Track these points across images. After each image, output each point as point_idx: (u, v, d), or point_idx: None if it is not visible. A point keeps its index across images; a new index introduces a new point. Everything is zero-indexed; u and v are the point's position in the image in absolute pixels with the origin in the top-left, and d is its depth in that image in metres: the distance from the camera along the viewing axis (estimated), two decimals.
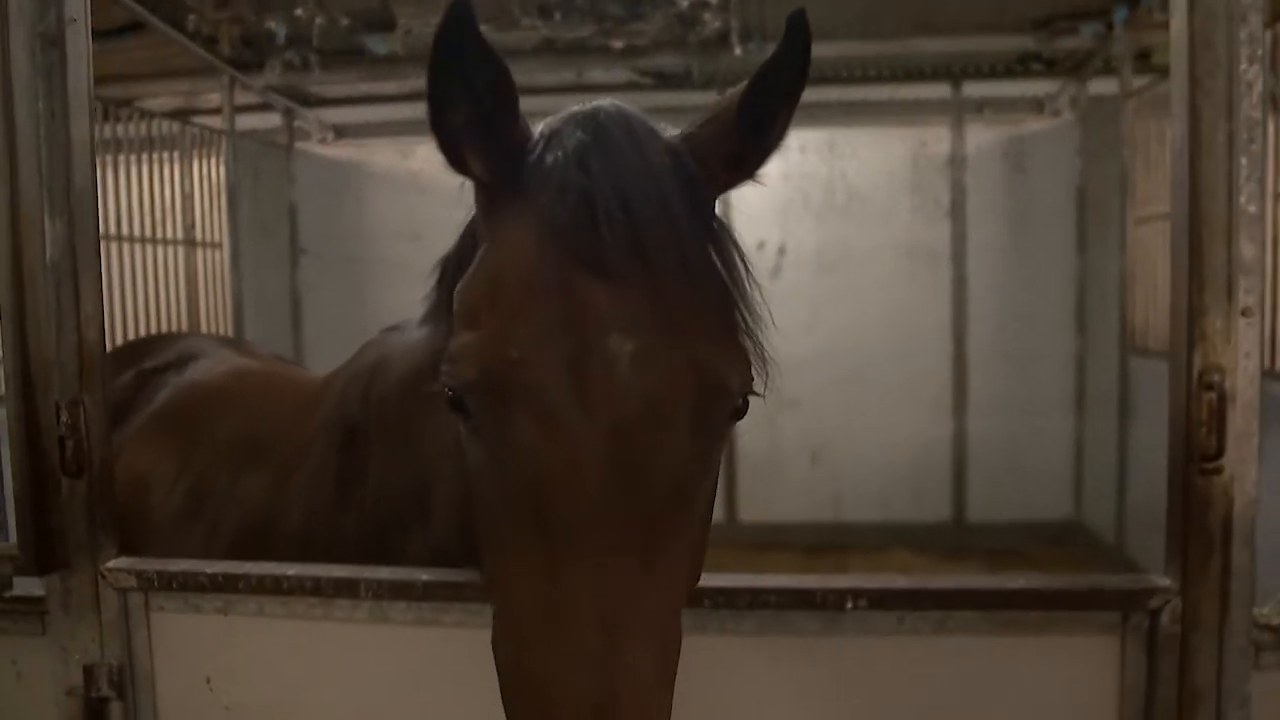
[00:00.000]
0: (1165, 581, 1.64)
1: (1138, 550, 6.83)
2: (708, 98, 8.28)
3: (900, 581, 1.71)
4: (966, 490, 8.18)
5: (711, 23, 6.96)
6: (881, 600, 1.68)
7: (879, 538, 8.07)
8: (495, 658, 1.25)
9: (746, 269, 1.44)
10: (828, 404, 8.34)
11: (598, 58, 7.89)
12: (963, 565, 7.63)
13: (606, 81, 8.36)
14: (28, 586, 1.99)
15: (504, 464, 1.25)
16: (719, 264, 1.38)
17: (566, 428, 1.19)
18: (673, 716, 1.28)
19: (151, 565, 1.91)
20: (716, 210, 1.47)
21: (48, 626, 1.98)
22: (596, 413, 1.20)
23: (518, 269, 1.28)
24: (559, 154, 1.33)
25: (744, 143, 1.46)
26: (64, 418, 1.88)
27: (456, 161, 1.37)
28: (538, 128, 1.43)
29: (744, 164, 1.49)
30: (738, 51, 7.18)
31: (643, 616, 1.17)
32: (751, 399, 1.36)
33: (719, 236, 1.42)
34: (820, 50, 6.87)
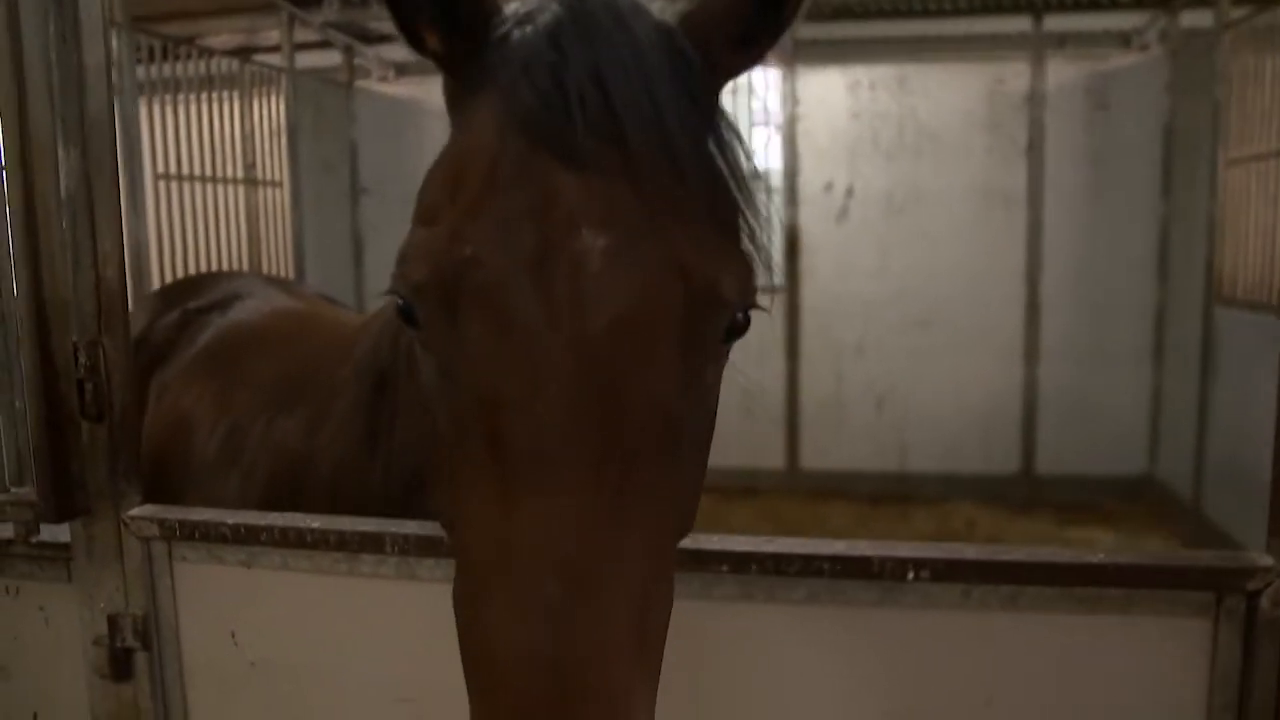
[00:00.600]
0: (1267, 560, 1.46)
1: (1216, 510, 6.55)
2: None
3: (969, 552, 1.56)
4: (1036, 442, 7.93)
5: None
6: (948, 571, 1.53)
7: (944, 489, 7.88)
8: (455, 616, 1.11)
9: (753, 168, 1.27)
10: (895, 349, 8.12)
11: None
12: (1030, 520, 7.42)
13: None
14: (55, 533, 1.93)
15: (456, 382, 1.10)
16: (718, 158, 1.20)
17: (525, 336, 1.03)
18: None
19: (174, 514, 1.83)
20: (724, 101, 1.29)
21: (74, 574, 1.92)
22: (561, 319, 1.03)
23: (477, 158, 1.12)
24: (529, 30, 1.16)
25: (754, 21, 1.24)
26: (82, 360, 1.79)
27: (413, 37, 1.21)
28: (511, 5, 1.25)
29: (753, 45, 1.27)
30: None
31: (612, 567, 1.00)
32: (754, 317, 1.21)
33: (718, 128, 1.23)
34: None
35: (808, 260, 8.27)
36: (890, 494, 7.99)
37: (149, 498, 1.90)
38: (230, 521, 1.79)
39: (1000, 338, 7.92)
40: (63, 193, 1.77)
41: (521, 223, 1.06)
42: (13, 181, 1.73)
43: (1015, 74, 7.78)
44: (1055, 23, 7.71)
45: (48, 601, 1.96)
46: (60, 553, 1.92)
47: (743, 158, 1.25)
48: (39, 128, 1.74)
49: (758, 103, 8.62)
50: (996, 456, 7.98)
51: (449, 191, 1.13)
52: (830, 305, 8.24)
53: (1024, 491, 7.84)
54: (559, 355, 1.03)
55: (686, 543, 1.58)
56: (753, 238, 1.26)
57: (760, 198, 1.29)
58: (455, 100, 1.26)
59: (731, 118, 1.28)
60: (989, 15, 7.70)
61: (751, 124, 8.43)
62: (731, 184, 1.21)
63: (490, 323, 1.06)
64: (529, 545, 0.99)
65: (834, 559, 1.57)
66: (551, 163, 1.07)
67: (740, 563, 1.58)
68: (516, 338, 1.04)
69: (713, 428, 1.26)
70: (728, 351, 1.22)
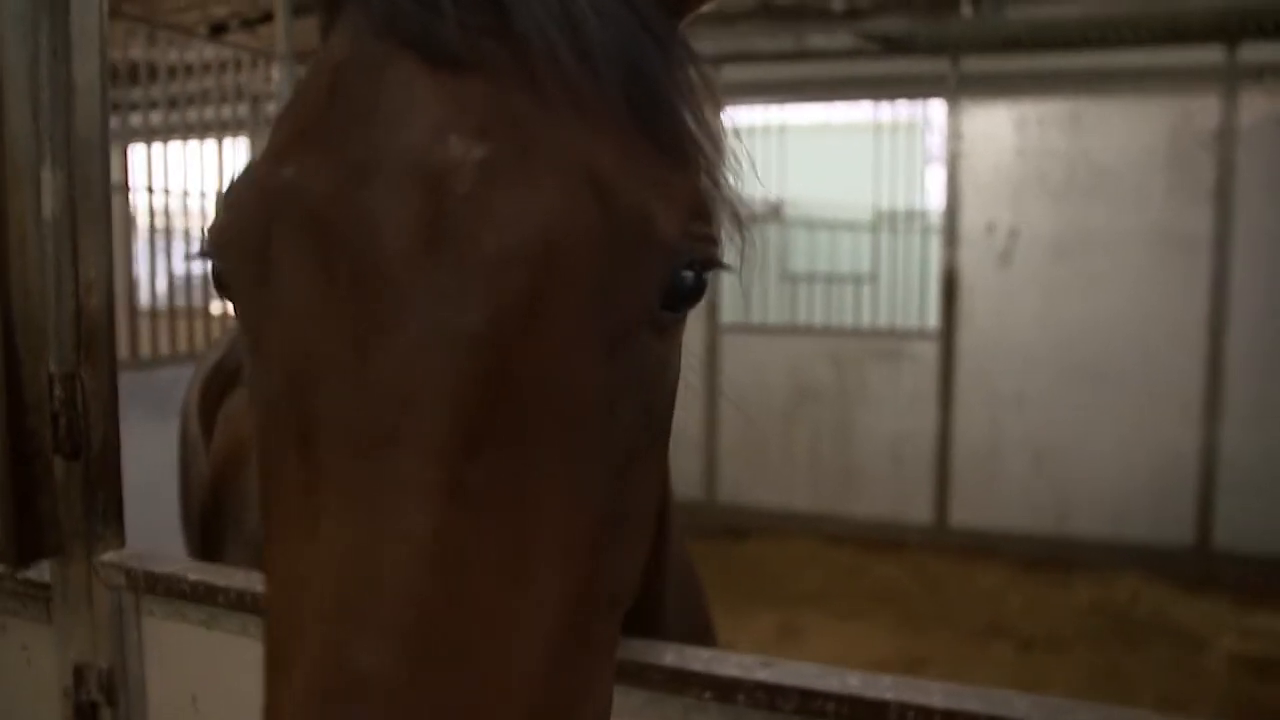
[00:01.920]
0: None
1: None
2: (938, 65, 7.63)
3: (1022, 706, 1.22)
4: (1215, 512, 7.16)
5: None
6: None
7: (1108, 557, 7.22)
8: None
9: (712, 96, 0.98)
10: (1057, 402, 7.54)
11: (818, 21, 7.38)
12: (1203, 599, 6.69)
13: (828, 47, 7.86)
14: (41, 569, 1.84)
15: (266, 361, 0.83)
16: (657, 68, 0.89)
17: (356, 274, 0.76)
18: None
19: (140, 563, 1.70)
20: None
21: (52, 615, 1.82)
22: (408, 251, 0.75)
23: (322, 76, 0.86)
24: None
25: None
26: (58, 392, 1.69)
27: None
28: None
29: None
30: (967, 13, 6.50)
31: (476, 624, 0.71)
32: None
33: (666, 42, 0.91)
34: (1062, 10, 6.14)
35: (966, 304, 7.80)
36: (1046, 558, 7.39)
37: (209, 531, 1.78)
38: (190, 578, 1.64)
39: (1176, 395, 7.22)
40: (44, 216, 1.68)
41: (362, 132, 0.79)
42: None
43: (1203, 109, 7.12)
44: (1252, 53, 7.03)
45: (30, 641, 1.87)
46: (41, 592, 1.82)
47: (698, 83, 0.97)
48: (18, 147, 1.65)
49: (919, 139, 8.23)
50: (1168, 526, 7.26)
51: (285, 124, 0.88)
52: (989, 352, 7.73)
53: (1198, 567, 7.08)
54: (399, 299, 0.75)
55: (669, 658, 1.32)
56: (714, 177, 0.98)
57: (728, 141, 1.01)
58: (322, 39, 0.99)
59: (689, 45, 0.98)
60: (1176, 46, 7.08)
61: (922, 162, 8.06)
62: (683, 109, 0.92)
63: (307, 263, 0.78)
64: (339, 579, 0.71)
65: (842, 699, 1.25)
66: (414, 63, 0.80)
67: (726, 690, 1.31)
68: (344, 278, 0.76)
69: (665, 434, 0.95)
70: (678, 327, 0.91)
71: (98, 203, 1.72)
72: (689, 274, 0.85)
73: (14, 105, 1.64)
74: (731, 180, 1.01)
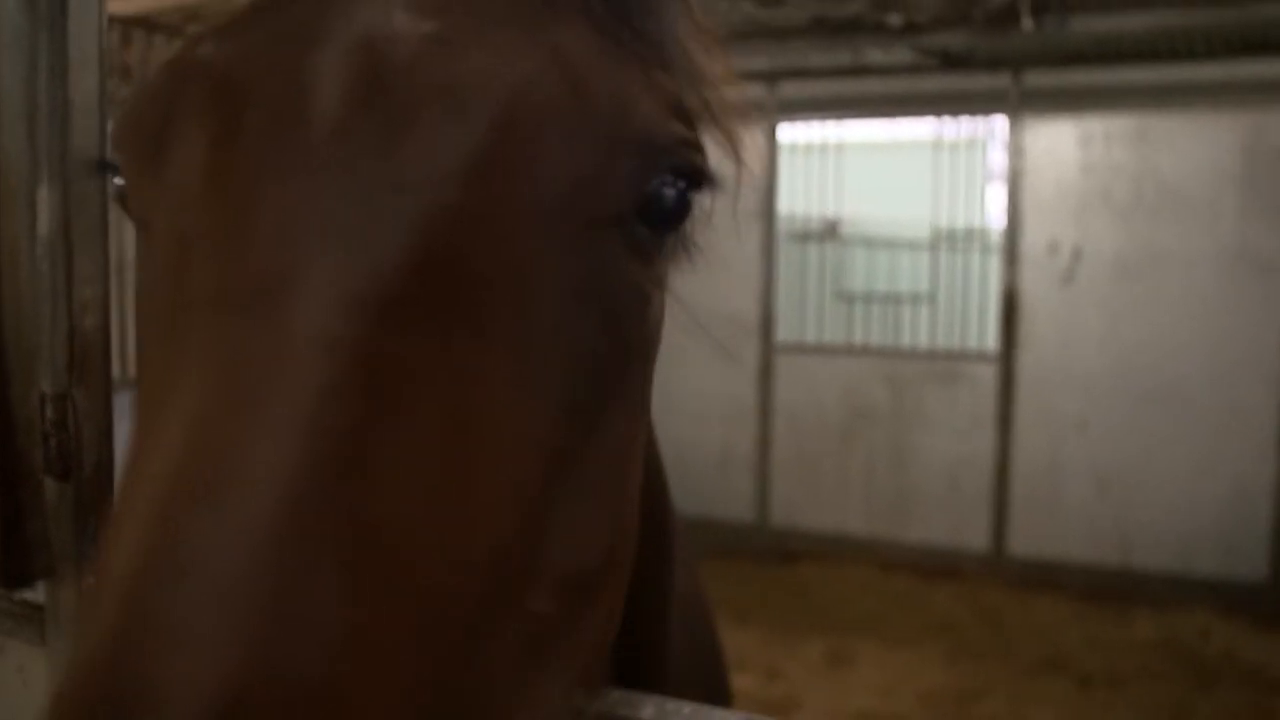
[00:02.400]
0: None
1: None
2: (999, 80, 7.46)
3: None
4: None
5: None
6: None
7: (1175, 592, 6.96)
8: None
9: (702, 30, 0.92)
10: (1121, 428, 7.30)
11: (874, 36, 7.26)
12: (1279, 638, 6.40)
13: (886, 63, 7.73)
14: (37, 591, 1.82)
15: (157, 232, 0.74)
16: None
17: (272, 125, 0.68)
18: None
19: None
20: None
21: (47, 636, 1.80)
22: (339, 104, 0.67)
23: None
24: None
25: None
26: (49, 414, 1.67)
27: None
28: None
29: None
30: (1028, 26, 6.33)
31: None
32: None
33: None
34: (1128, 22, 5.95)
35: (1027, 326, 7.60)
36: (1109, 591, 7.14)
37: None
38: None
39: (1248, 422, 6.94)
40: (38, 235, 1.66)
41: (296, 13, 0.73)
42: None
43: (1278, 124, 6.86)
44: None
45: (26, 662, 1.85)
46: (36, 613, 1.80)
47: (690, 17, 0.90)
48: (13, 166, 1.63)
49: (979, 156, 8.06)
50: (1240, 559, 6.97)
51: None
52: (1050, 376, 7.52)
53: (1273, 604, 6.78)
54: (319, 150, 0.67)
55: (648, 712, 1.22)
56: (702, 95, 0.90)
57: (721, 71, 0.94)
58: None
59: None
60: (1249, 58, 6.83)
61: (982, 179, 7.89)
62: (667, 17, 0.87)
63: (212, 120, 0.71)
64: (183, 448, 0.59)
65: None
66: None
67: None
68: (256, 132, 0.69)
69: (641, 389, 0.85)
70: (659, 257, 0.81)
71: (94, 222, 1.70)
72: (670, 190, 0.77)
73: (9, 124, 1.63)
74: (722, 106, 0.95)
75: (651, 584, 1.14)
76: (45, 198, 1.67)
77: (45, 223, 1.67)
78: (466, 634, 0.62)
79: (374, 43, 0.69)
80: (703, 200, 0.84)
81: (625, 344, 0.79)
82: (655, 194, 0.76)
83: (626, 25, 0.80)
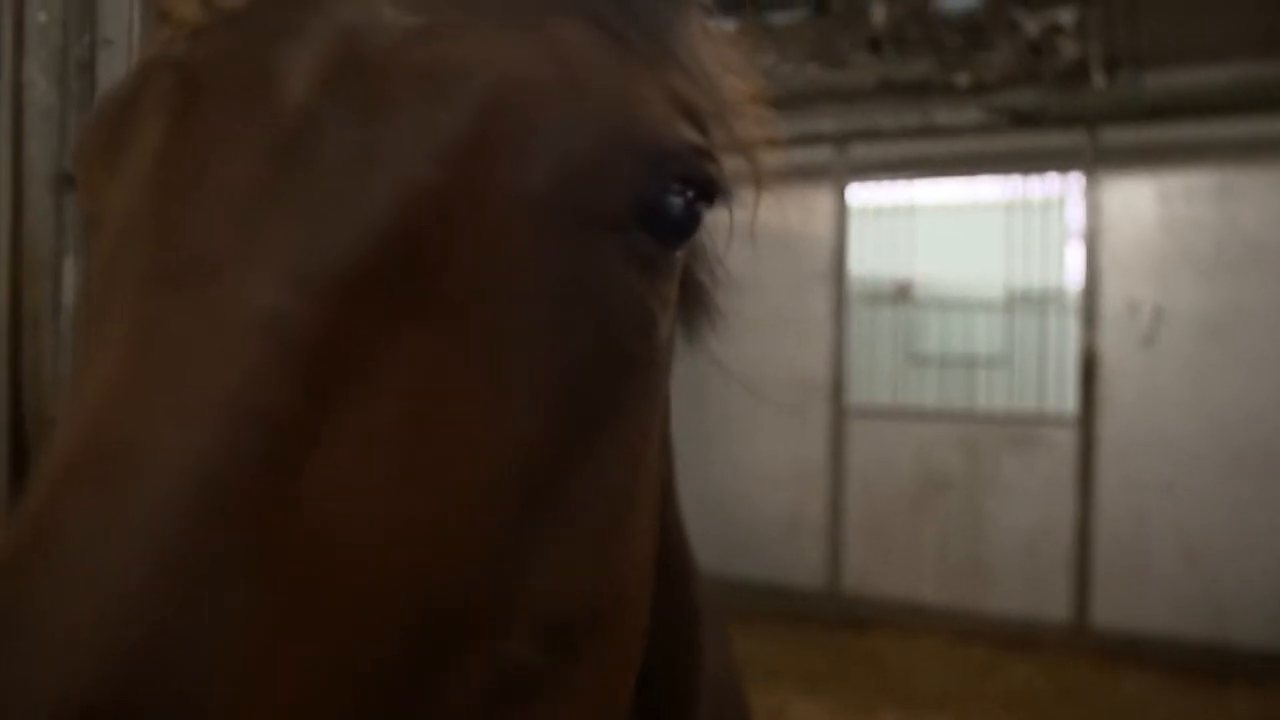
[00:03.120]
0: None
1: None
2: (1072, 138, 7.31)
3: None
4: None
5: (1068, 50, 6.07)
6: None
7: (1269, 667, 6.57)
8: None
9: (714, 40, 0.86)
10: (1210, 493, 6.98)
11: (942, 96, 7.20)
12: None
13: (956, 123, 7.64)
14: None
15: (109, 223, 0.68)
16: None
17: (241, 105, 0.63)
18: None
19: None
20: None
21: None
22: (317, 86, 0.63)
23: None
24: None
25: None
26: None
27: None
28: None
29: None
30: (1099, 83, 6.22)
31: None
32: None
33: None
34: (1206, 76, 5.80)
35: (1107, 388, 7.36)
36: (1201, 665, 6.77)
37: None
38: None
39: None
40: (64, 306, 1.68)
41: (271, 11, 0.69)
42: (3, 290, 1.67)
43: None
44: None
45: None
46: None
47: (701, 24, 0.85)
48: (39, 238, 1.66)
49: (1054, 215, 7.89)
50: None
51: None
52: (1133, 439, 7.25)
53: None
54: (292, 126, 0.62)
55: None
56: (715, 102, 0.83)
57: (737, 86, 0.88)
58: None
59: None
60: None
61: (1058, 238, 7.72)
62: (674, 23, 0.81)
63: (166, 118, 0.66)
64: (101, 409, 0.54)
65: None
66: None
67: None
68: (222, 113, 0.64)
69: (644, 421, 0.77)
70: (666, 274, 0.75)
71: None
72: (677, 199, 0.72)
73: (36, 197, 1.65)
74: (737, 116, 0.88)
75: (675, 666, 1.05)
76: (70, 269, 1.69)
77: (69, 293, 1.69)
78: (407, 673, 0.55)
79: (353, 31, 0.65)
80: (714, 214, 0.79)
81: (622, 362, 0.71)
82: (659, 201, 0.71)
83: (636, 29, 0.75)
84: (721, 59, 0.88)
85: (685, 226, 0.73)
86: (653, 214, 0.71)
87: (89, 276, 0.71)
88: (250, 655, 0.49)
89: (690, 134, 0.74)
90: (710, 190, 0.75)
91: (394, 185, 0.61)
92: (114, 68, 1.72)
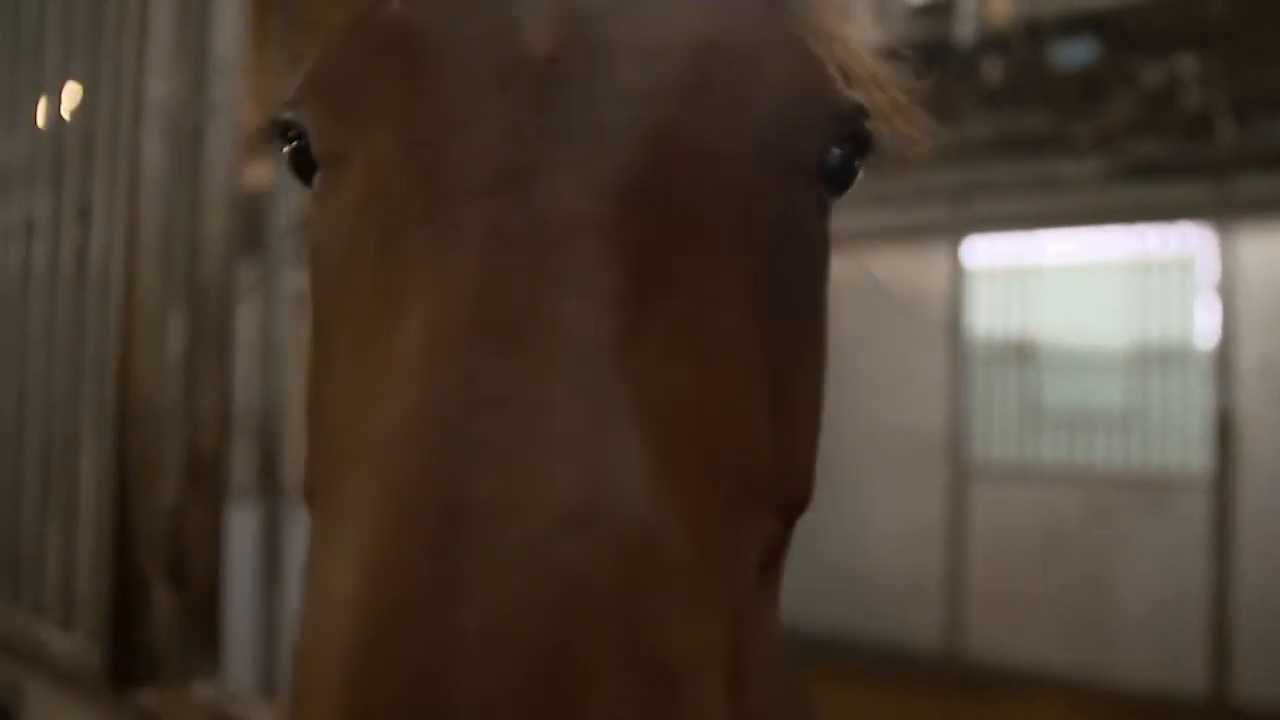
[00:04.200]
0: None
1: None
2: (1201, 189, 7.04)
3: None
4: None
5: (1190, 99, 5.86)
6: None
7: None
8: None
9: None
10: None
11: (1062, 149, 7.05)
12: None
13: (1076, 176, 7.46)
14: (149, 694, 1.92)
15: (354, 179, 0.74)
16: None
17: (490, 70, 0.69)
18: None
19: (228, 697, 1.74)
20: None
21: None
22: (562, 48, 0.69)
23: None
24: None
25: None
26: (164, 525, 1.78)
27: None
28: None
29: None
30: (1227, 132, 6.00)
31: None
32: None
33: None
34: None
35: (1244, 449, 7.00)
36: None
37: None
38: None
39: None
40: (168, 358, 1.80)
41: None
42: (110, 344, 1.80)
43: None
44: None
45: None
46: (146, 717, 1.90)
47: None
48: (148, 293, 1.79)
49: (1184, 269, 7.59)
50: None
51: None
52: (1271, 501, 6.86)
53: None
54: (555, 88, 0.68)
55: None
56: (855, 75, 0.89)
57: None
58: None
59: None
60: None
61: (1188, 293, 7.43)
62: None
63: (424, 70, 0.71)
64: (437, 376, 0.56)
65: None
66: None
67: None
68: (473, 79, 0.69)
69: (819, 359, 0.85)
70: (824, 220, 0.83)
71: (217, 347, 1.84)
72: (837, 150, 0.80)
73: (146, 257, 1.79)
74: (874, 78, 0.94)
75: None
76: (174, 324, 1.82)
77: (173, 346, 1.81)
78: (734, 527, 0.64)
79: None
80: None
81: (818, 287, 0.82)
82: (835, 153, 0.80)
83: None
84: (844, 26, 0.94)
85: (847, 178, 0.82)
86: (829, 164, 0.80)
87: (330, 225, 0.77)
88: (663, 489, 0.56)
89: (855, 97, 0.81)
90: (867, 146, 0.83)
91: (649, 117, 0.68)
92: (221, 136, 1.86)
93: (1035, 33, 5.13)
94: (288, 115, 0.82)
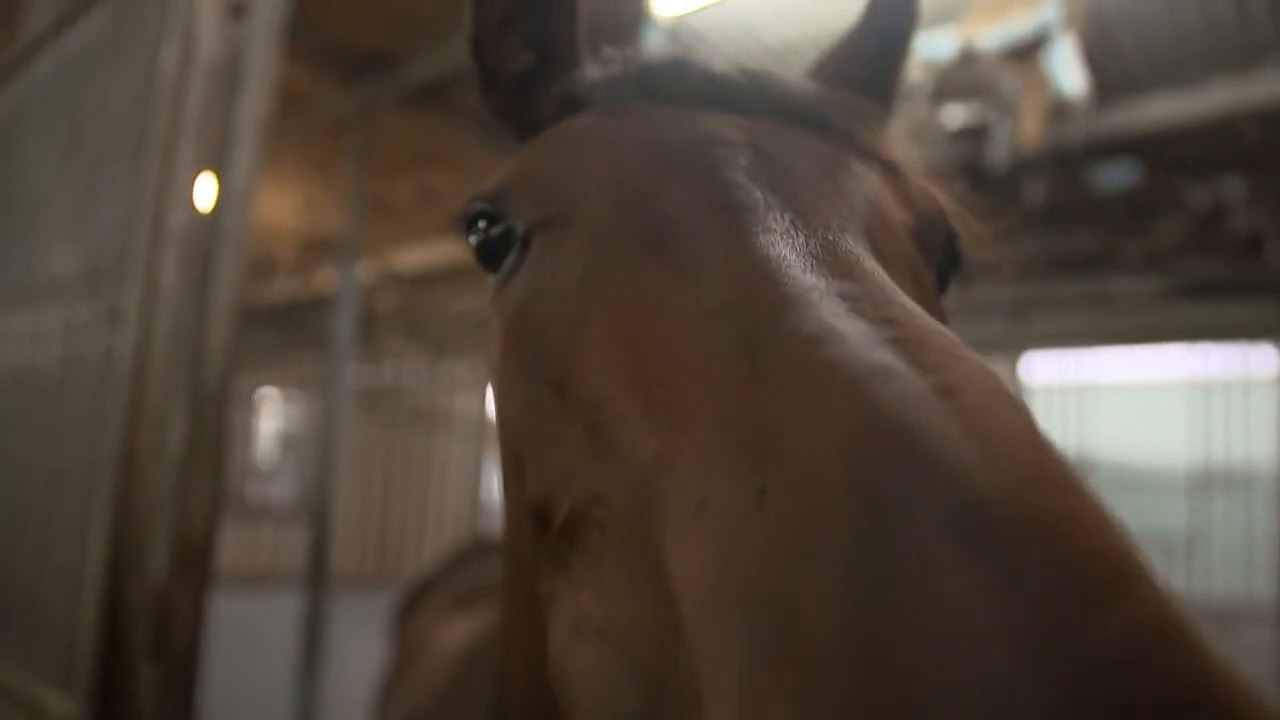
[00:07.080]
0: None
1: None
2: (1258, 308, 6.98)
3: None
4: None
5: (1239, 220, 5.89)
6: None
7: None
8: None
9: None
10: None
11: (1112, 267, 7.08)
12: None
13: (1132, 293, 7.47)
14: None
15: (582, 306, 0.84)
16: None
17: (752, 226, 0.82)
18: None
19: None
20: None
21: None
22: (798, 179, 0.89)
23: (614, 142, 0.97)
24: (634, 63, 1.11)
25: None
26: (151, 600, 1.98)
27: (491, 62, 1.15)
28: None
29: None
30: (1277, 254, 5.98)
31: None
32: None
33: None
34: None
35: None
36: None
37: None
38: None
39: None
40: (169, 454, 2.03)
41: (690, 127, 0.96)
42: (112, 438, 2.02)
43: None
44: None
45: None
46: None
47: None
48: (155, 395, 2.02)
49: (1246, 389, 7.47)
50: None
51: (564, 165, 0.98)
52: None
53: None
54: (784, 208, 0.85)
55: None
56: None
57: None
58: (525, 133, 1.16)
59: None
60: None
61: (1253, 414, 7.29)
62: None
63: (637, 161, 0.92)
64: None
65: None
66: (720, 114, 0.99)
67: None
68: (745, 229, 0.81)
69: None
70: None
71: (213, 444, 2.05)
72: (947, 252, 1.02)
73: (156, 362, 2.03)
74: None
75: None
76: (176, 422, 2.04)
77: (173, 442, 2.03)
78: None
79: (754, 130, 0.96)
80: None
81: None
82: (943, 268, 1.01)
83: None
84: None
85: (951, 275, 1.03)
86: (942, 276, 1.01)
87: (547, 266, 0.91)
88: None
89: (954, 223, 1.04)
90: (956, 259, 1.03)
91: (854, 196, 0.91)
92: (230, 258, 2.11)
93: (1065, 157, 5.24)
94: (484, 206, 0.99)
